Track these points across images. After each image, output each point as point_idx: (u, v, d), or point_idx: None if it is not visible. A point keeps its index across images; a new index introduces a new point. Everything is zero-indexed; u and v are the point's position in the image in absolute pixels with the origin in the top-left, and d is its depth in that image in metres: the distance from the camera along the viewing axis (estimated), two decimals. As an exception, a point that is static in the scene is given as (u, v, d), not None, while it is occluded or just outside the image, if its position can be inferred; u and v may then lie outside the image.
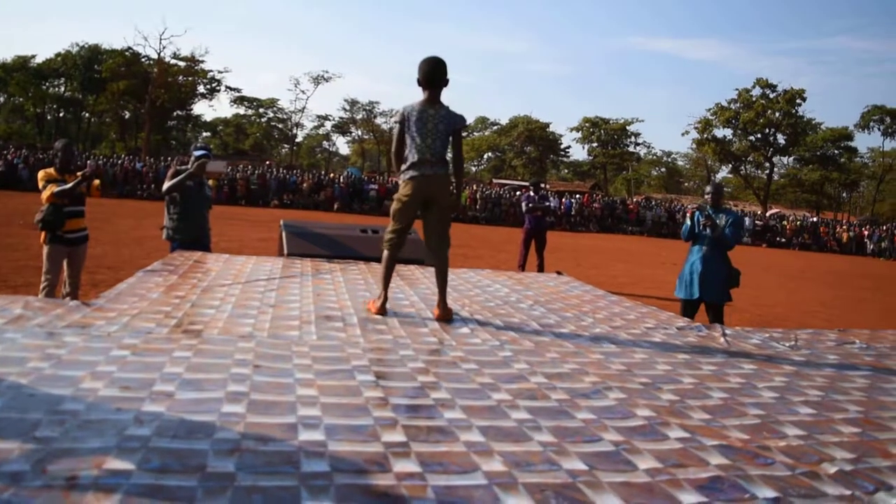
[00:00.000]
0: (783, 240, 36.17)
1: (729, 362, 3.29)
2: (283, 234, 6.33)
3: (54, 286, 5.86)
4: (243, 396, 2.23)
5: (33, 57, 58.05)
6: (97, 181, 6.03)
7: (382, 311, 3.84)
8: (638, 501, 1.64)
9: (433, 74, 3.84)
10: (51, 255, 5.92)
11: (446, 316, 3.86)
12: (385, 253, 3.98)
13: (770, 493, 1.72)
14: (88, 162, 7.45)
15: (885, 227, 38.80)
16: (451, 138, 3.87)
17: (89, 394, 2.16)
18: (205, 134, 71.67)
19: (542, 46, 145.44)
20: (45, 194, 5.81)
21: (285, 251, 6.12)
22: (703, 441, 2.10)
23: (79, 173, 6.05)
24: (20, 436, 1.80)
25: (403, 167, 3.87)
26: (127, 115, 59.39)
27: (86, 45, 57.44)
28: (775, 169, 60.85)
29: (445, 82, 3.87)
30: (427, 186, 3.83)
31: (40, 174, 5.99)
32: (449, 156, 3.92)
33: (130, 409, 2.05)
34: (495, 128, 74.95)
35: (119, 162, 31.87)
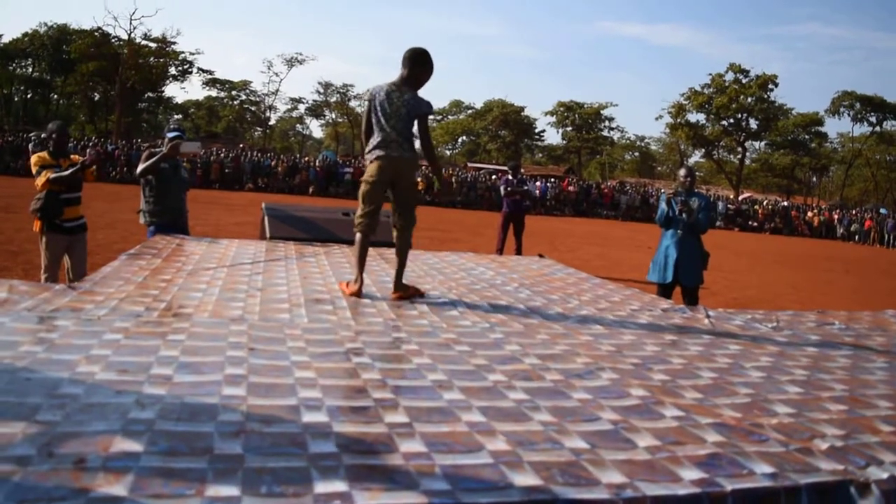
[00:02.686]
0: (755, 224, 36.64)
1: (715, 343, 3.35)
2: (266, 218, 6.29)
3: (56, 281, 5.58)
4: (242, 379, 2.23)
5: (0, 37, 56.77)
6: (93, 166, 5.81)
7: (358, 293, 3.85)
8: (641, 477, 1.67)
9: (412, 59, 3.87)
10: (50, 246, 5.67)
11: (401, 295, 3.88)
12: (357, 235, 3.99)
13: (767, 469, 1.77)
14: (88, 150, 7.21)
15: (854, 212, 39.46)
16: (416, 123, 3.89)
17: (87, 377, 2.15)
18: (176, 116, 70.60)
19: (513, 30, 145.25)
20: (41, 180, 5.52)
21: (268, 234, 6.09)
22: (698, 419, 2.14)
23: (73, 156, 5.89)
24: (22, 419, 1.79)
25: (368, 148, 3.90)
26: (97, 96, 58.21)
27: (54, 25, 56.16)
28: (747, 153, 61.51)
29: (421, 70, 3.89)
30: (391, 167, 3.86)
31: (34, 159, 5.70)
32: (417, 142, 3.95)
33: (131, 392, 2.04)
34: (470, 112, 74.71)
35: (90, 144, 31.35)
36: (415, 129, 3.91)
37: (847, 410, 2.37)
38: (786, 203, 43.65)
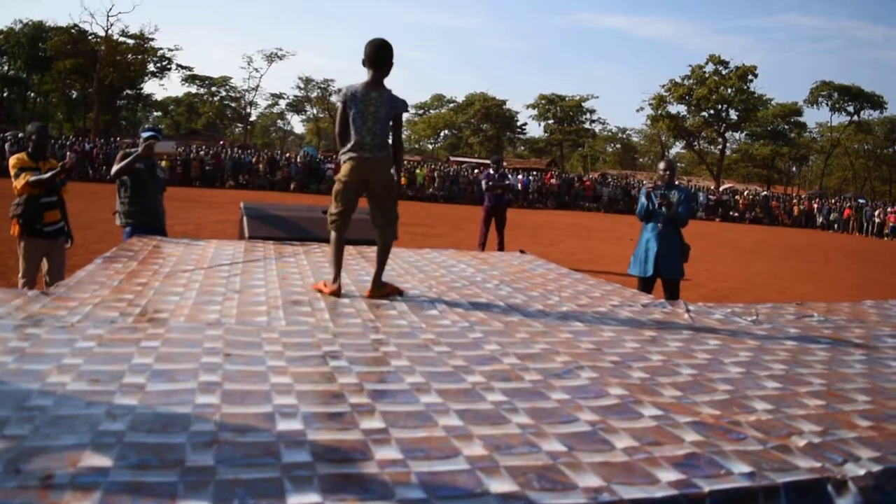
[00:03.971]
0: (736, 214, 36.88)
1: (695, 338, 3.35)
2: (244, 218, 6.24)
3: (33, 286, 5.49)
4: (216, 386, 2.20)
5: (-27, 34, 55.99)
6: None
7: (337, 293, 3.83)
8: (618, 480, 1.66)
9: (378, 56, 3.83)
10: (28, 251, 5.61)
11: (377, 294, 3.87)
12: (332, 235, 3.97)
13: (745, 468, 1.76)
14: (68, 154, 7.12)
15: (833, 201, 39.82)
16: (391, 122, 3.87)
17: (57, 388, 2.11)
18: (156, 114, 70.14)
19: (493, 22, 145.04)
20: (19, 183, 5.45)
21: (246, 234, 6.03)
22: (676, 418, 2.14)
23: (52, 160, 5.81)
24: (-12, 434, 1.75)
25: (344, 148, 3.87)
26: (74, 94, 57.69)
27: (29, 22, 55.56)
28: (728, 144, 61.89)
29: (390, 65, 3.86)
30: (364, 169, 3.84)
31: (12, 160, 5.60)
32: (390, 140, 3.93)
33: (101, 402, 2.01)
34: (451, 105, 74.65)
35: (68, 143, 30.98)
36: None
37: (825, 406, 2.37)
38: (766, 193, 43.94)
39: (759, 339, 3.41)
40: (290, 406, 2.06)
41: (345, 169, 3.87)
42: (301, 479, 1.58)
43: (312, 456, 1.71)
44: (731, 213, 36.98)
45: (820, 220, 36.78)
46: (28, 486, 1.50)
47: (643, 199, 6.61)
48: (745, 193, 40.93)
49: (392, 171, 3.93)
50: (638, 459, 1.80)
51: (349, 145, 3.84)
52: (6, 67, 58.41)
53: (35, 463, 1.61)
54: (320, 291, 3.87)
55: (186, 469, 1.61)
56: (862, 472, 1.79)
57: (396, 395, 2.24)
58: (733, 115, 58.46)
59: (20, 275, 5.70)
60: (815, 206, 38.32)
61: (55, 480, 1.53)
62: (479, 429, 1.96)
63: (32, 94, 60.55)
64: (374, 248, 4.05)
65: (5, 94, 61.12)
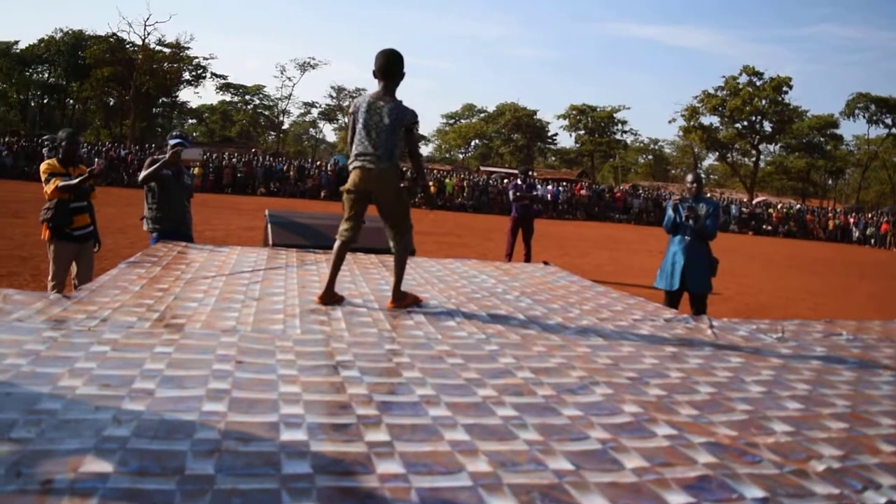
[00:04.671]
0: (769, 227, 36.33)
1: (716, 355, 3.28)
2: (269, 225, 6.27)
3: (63, 289, 5.58)
4: (225, 394, 2.19)
5: (16, 43, 57.35)
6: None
7: (327, 300, 3.82)
8: (625, 502, 1.62)
9: (388, 66, 3.83)
10: (58, 254, 5.69)
11: (399, 305, 3.85)
12: (336, 242, 3.96)
13: (758, 493, 1.71)
14: (97, 160, 7.25)
15: (870, 215, 39.05)
16: (401, 134, 3.83)
17: (67, 392, 2.12)
18: (190, 121, 71.13)
19: (524, 32, 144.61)
20: (50, 188, 5.55)
21: (270, 242, 6.06)
22: (690, 438, 2.08)
23: (82, 166, 5.90)
24: (-5, 437, 1.75)
25: (350, 159, 3.88)
26: (112, 101, 58.69)
27: (69, 31, 56.71)
28: (762, 156, 61.10)
29: (401, 75, 3.86)
30: (368, 178, 3.83)
31: (43, 166, 5.71)
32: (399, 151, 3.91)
33: (109, 407, 2.01)
34: (482, 115, 74.69)
35: (103, 149, 31.55)
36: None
37: (847, 428, 2.30)
38: (801, 206, 43.26)
39: (783, 358, 3.33)
40: (296, 416, 2.04)
41: (350, 179, 3.88)
42: (299, 492, 1.56)
43: (313, 468, 1.69)
44: (764, 226, 36.43)
45: (856, 234, 36.06)
46: (27, 490, 1.50)
47: (670, 212, 6.52)
48: (779, 207, 40.33)
49: (398, 181, 3.91)
50: (647, 480, 1.75)
51: (353, 155, 3.86)
52: (47, 75, 59.72)
53: (37, 467, 1.61)
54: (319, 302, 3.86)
55: (186, 477, 1.60)
56: (882, 500, 1.72)
57: (405, 408, 2.21)
58: (767, 126, 57.70)
59: (49, 277, 5.80)
60: (852, 220, 37.60)
61: (55, 485, 1.53)
62: (485, 444, 1.92)
63: (72, 101, 61.75)
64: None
65: (46, 101, 62.46)
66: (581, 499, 1.62)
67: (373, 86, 3.93)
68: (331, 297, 3.85)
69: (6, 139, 31.86)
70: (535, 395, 2.44)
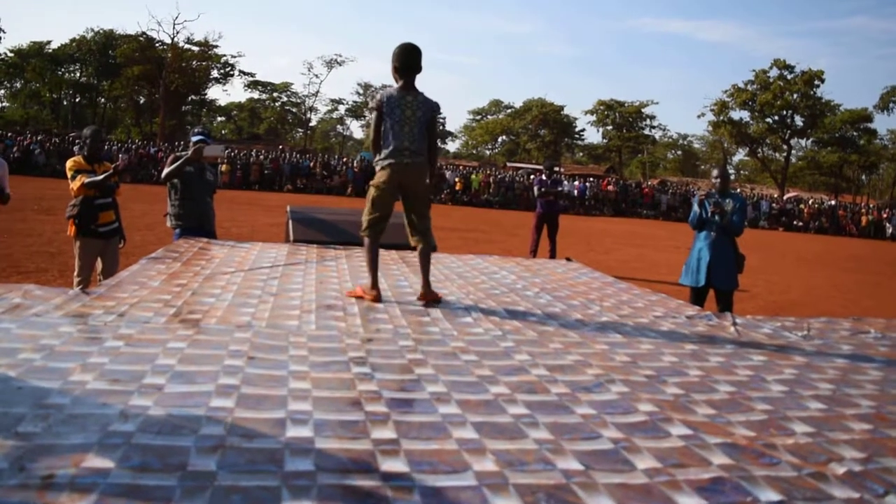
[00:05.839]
0: (800, 224, 35.77)
1: (738, 353, 3.20)
2: (289, 221, 6.28)
3: (88, 284, 5.62)
4: (233, 390, 2.18)
5: (49, 43, 58.28)
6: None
7: (378, 299, 3.79)
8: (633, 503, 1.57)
9: (411, 61, 3.83)
10: (84, 250, 5.76)
11: (431, 298, 3.83)
12: (366, 241, 3.94)
13: (774, 496, 1.65)
14: (120, 156, 7.33)
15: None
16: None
17: (77, 387, 2.12)
18: (219, 118, 71.79)
19: (552, 27, 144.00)
20: (76, 184, 5.62)
21: (291, 238, 6.07)
22: (706, 439, 2.02)
23: (107, 163, 5.96)
24: (1, 431, 1.75)
25: (381, 155, 3.84)
26: (142, 100, 59.45)
27: (100, 31, 57.54)
28: (793, 151, 60.17)
29: (421, 68, 3.85)
30: (403, 174, 3.82)
31: (69, 163, 5.78)
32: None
33: (117, 403, 2.00)
34: (509, 111, 74.49)
35: (133, 147, 31.95)
36: None
37: (871, 430, 2.22)
38: (833, 202, 42.51)
39: (807, 356, 3.24)
40: (303, 412, 2.02)
41: (382, 175, 3.83)
42: (300, 489, 1.54)
43: (315, 465, 1.66)
44: (795, 222, 35.89)
45: (890, 230, 35.38)
46: (28, 485, 1.50)
47: (696, 207, 6.43)
48: (811, 202, 39.69)
49: (427, 175, 3.90)
50: (658, 482, 1.70)
51: (388, 151, 3.80)
52: (78, 74, 60.64)
53: (40, 461, 1.61)
54: (360, 298, 3.83)
55: (187, 473, 1.59)
56: (904, 503, 1.65)
57: (414, 405, 2.18)
58: (799, 121, 56.75)
59: (75, 273, 5.86)
60: (885, 215, 36.88)
61: (56, 480, 1.52)
62: (493, 443, 1.89)
63: (102, 100, 62.59)
64: (415, 253, 4.01)
65: (77, 100, 63.46)
66: (588, 500, 1.58)
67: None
68: (380, 295, 3.83)
69: (39, 137, 32.37)
70: (549, 392, 2.40)
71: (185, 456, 1.67)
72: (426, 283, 3.88)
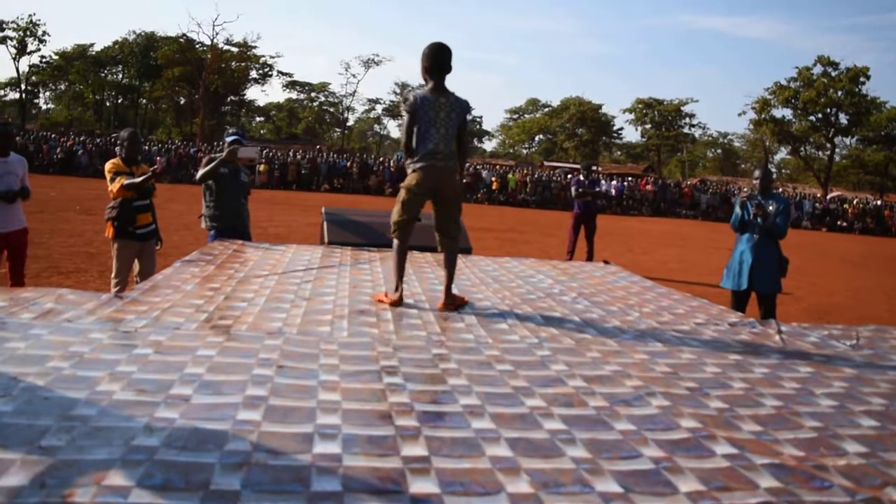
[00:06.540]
0: (844, 224, 34.90)
1: (784, 364, 3.07)
2: (324, 223, 6.26)
3: (125, 286, 5.69)
4: (261, 401, 2.13)
5: (92, 45, 59.53)
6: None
7: (399, 302, 3.74)
8: (677, 532, 1.48)
9: (442, 61, 3.77)
10: (121, 252, 5.81)
11: (451, 305, 3.76)
12: (395, 243, 3.88)
13: (827, 525, 1.55)
14: (158, 159, 7.39)
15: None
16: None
17: (104, 397, 2.09)
18: (258, 119, 72.60)
19: (588, 26, 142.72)
20: (115, 186, 5.66)
21: (326, 240, 6.04)
22: (752, 459, 1.92)
23: (144, 166, 6.01)
24: (25, 444, 1.72)
25: (414, 157, 3.78)
26: (182, 100, 60.43)
27: (142, 33, 58.62)
28: (837, 150, 58.74)
29: (450, 69, 3.79)
30: (436, 177, 3.75)
31: (108, 165, 5.85)
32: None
33: (143, 415, 1.96)
34: (546, 110, 74.05)
35: (173, 147, 32.42)
36: None
37: (930, 450, 2.10)
38: (878, 202, 41.41)
39: (857, 368, 3.10)
40: (332, 427, 1.96)
41: (415, 177, 3.77)
42: (325, 512, 1.48)
43: (343, 486, 1.60)
44: (839, 222, 35.02)
45: (939, 231, 34.35)
46: (49, 503, 1.46)
47: (738, 209, 6.26)
48: (855, 202, 38.70)
49: (458, 177, 3.85)
50: (703, 507, 1.61)
51: (421, 153, 3.74)
52: (120, 76, 61.84)
53: (62, 478, 1.57)
54: (381, 302, 3.78)
55: (210, 492, 1.54)
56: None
57: (446, 419, 2.11)
58: (843, 119, 55.32)
59: (113, 275, 5.91)
60: (934, 216, 35.81)
61: (76, 498, 1.48)
62: (528, 461, 1.81)
63: (144, 101, 63.70)
64: (443, 260, 3.95)
65: (119, 101, 64.70)
66: (628, 527, 1.49)
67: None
68: (402, 298, 3.79)
69: (81, 138, 33.01)
70: (587, 406, 2.31)
71: (209, 473, 1.63)
72: (448, 289, 3.82)
